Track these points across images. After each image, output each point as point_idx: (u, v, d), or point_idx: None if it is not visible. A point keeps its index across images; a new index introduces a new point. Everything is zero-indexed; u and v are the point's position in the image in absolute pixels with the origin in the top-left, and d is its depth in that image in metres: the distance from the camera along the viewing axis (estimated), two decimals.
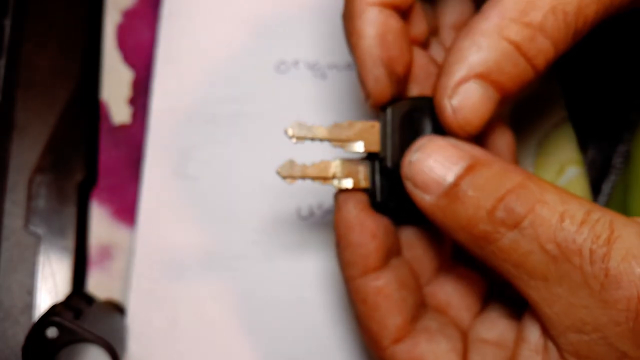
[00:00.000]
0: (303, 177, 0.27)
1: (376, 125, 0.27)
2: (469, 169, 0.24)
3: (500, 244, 0.23)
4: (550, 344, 0.23)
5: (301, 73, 0.38)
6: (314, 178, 0.27)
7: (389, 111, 0.27)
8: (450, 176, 0.24)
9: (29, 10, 0.37)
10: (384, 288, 0.26)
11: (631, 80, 0.37)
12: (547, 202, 0.23)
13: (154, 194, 0.36)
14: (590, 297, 0.22)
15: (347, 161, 0.27)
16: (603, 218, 0.22)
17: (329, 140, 0.27)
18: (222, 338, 0.35)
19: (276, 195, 0.37)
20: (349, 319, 0.36)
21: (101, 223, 0.37)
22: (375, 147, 0.27)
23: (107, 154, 0.38)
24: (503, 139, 0.28)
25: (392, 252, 0.27)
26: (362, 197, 0.27)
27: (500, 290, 0.29)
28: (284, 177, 0.27)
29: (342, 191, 0.27)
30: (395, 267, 0.27)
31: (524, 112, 0.38)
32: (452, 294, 0.28)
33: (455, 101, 0.25)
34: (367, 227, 0.26)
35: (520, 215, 0.23)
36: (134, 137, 0.38)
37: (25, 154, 0.36)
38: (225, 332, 0.35)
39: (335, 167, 0.27)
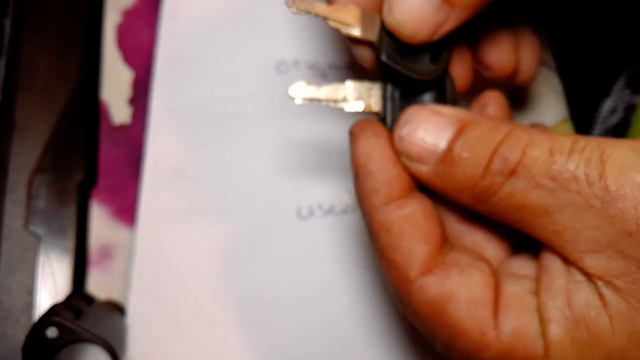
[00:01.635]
0: (314, 99, 0.26)
1: (376, 16, 0.27)
2: (459, 132, 0.24)
3: (500, 194, 0.23)
4: (575, 270, 0.23)
5: (301, 73, 0.38)
6: (324, 100, 0.26)
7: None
8: (442, 143, 0.24)
9: (29, 10, 0.37)
10: (411, 216, 0.25)
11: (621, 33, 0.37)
12: (536, 142, 0.23)
13: (154, 194, 0.36)
14: (596, 217, 0.22)
15: (358, 84, 0.27)
16: (590, 143, 0.22)
17: (327, 18, 0.26)
18: (222, 338, 0.35)
19: (276, 195, 0.37)
20: (349, 319, 0.36)
21: (101, 223, 0.37)
22: (373, 37, 0.26)
23: (107, 154, 0.38)
24: (497, 106, 0.28)
25: (413, 182, 0.26)
26: (379, 127, 0.26)
27: (528, 240, 0.29)
28: (295, 98, 0.26)
29: (356, 123, 0.26)
30: (419, 198, 0.26)
31: (524, 111, 0.38)
32: (479, 238, 0.28)
33: (393, 1, 0.25)
34: (388, 154, 0.25)
35: (515, 162, 0.23)
36: (134, 137, 0.38)
37: (25, 154, 0.36)
38: (225, 332, 0.35)
39: (346, 89, 0.26)
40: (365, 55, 0.28)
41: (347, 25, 0.27)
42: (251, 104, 0.38)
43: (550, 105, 0.38)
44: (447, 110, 0.25)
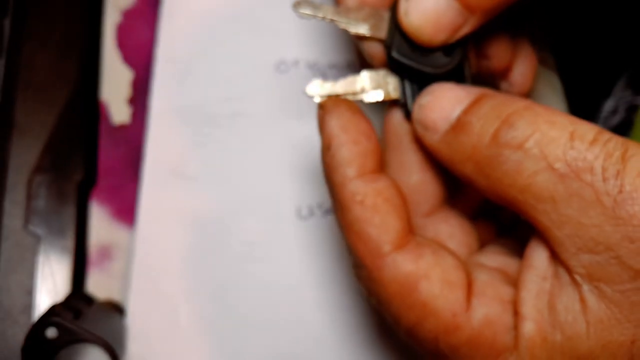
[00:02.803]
0: (332, 94, 0.26)
1: (384, 12, 0.27)
2: (475, 102, 0.24)
3: (505, 168, 0.22)
4: (561, 270, 0.23)
5: (301, 73, 0.38)
6: (343, 94, 0.26)
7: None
8: (456, 111, 0.24)
9: (29, 10, 0.37)
10: (384, 190, 0.24)
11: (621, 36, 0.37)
12: (556, 122, 0.22)
13: (153, 194, 0.36)
14: (602, 214, 0.21)
15: (374, 73, 0.27)
16: (615, 138, 0.22)
17: (336, 19, 0.26)
18: (222, 338, 0.35)
19: (276, 195, 0.37)
20: (349, 320, 0.36)
21: (101, 223, 0.37)
22: (382, 34, 0.26)
23: (107, 154, 0.37)
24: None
25: (383, 162, 0.26)
26: (354, 104, 0.25)
27: (495, 238, 0.28)
28: (313, 97, 0.26)
29: (328, 98, 0.26)
30: (389, 178, 0.25)
31: None
32: (443, 233, 0.27)
33: (410, 3, 0.25)
34: (363, 128, 0.25)
35: (525, 135, 0.22)
36: (133, 137, 0.38)
37: (25, 154, 0.36)
38: (224, 333, 0.35)
39: (363, 80, 0.26)
40: (375, 51, 0.28)
41: (356, 24, 0.26)
42: (251, 103, 0.38)
43: (550, 104, 0.38)
44: (471, 87, 0.25)
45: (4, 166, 0.35)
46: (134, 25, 0.39)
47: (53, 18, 0.37)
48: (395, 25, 0.26)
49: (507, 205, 0.23)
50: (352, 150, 0.24)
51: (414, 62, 0.26)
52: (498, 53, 0.30)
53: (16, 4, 0.37)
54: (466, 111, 0.24)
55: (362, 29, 0.26)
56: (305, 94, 0.26)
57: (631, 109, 0.37)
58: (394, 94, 0.27)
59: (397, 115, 0.28)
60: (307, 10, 0.26)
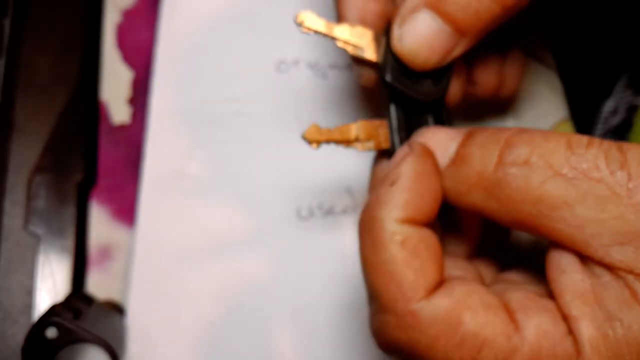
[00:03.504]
0: (328, 141, 0.27)
1: (382, 37, 0.27)
2: (468, 136, 0.24)
3: (514, 185, 0.23)
4: (598, 269, 0.22)
5: (301, 73, 0.38)
6: (337, 141, 0.27)
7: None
8: (453, 146, 0.25)
9: (29, 10, 0.37)
10: (428, 238, 0.24)
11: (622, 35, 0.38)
12: (550, 136, 0.23)
13: (153, 194, 0.36)
14: (620, 205, 0.21)
15: (367, 123, 0.28)
16: (607, 140, 0.22)
17: (338, 39, 0.28)
18: (222, 339, 0.35)
19: (276, 195, 0.37)
20: (349, 320, 0.36)
21: (101, 223, 0.37)
22: (378, 57, 0.27)
23: (107, 154, 0.37)
24: None
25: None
26: (431, 152, 0.25)
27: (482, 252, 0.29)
28: (310, 142, 0.27)
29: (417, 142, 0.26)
30: (430, 228, 0.25)
31: (524, 111, 0.38)
32: (462, 268, 0.27)
33: (404, 29, 0.25)
34: (435, 189, 0.24)
35: (528, 151, 0.23)
36: (133, 137, 0.38)
37: (25, 154, 0.36)
38: (224, 333, 0.35)
39: (356, 129, 0.27)
40: (368, 76, 0.29)
41: (358, 46, 0.28)
42: (251, 103, 0.38)
43: (550, 104, 0.38)
44: (454, 128, 0.25)
45: (4, 166, 0.35)
46: (134, 25, 0.39)
47: (53, 18, 0.37)
48: (389, 50, 0.27)
49: (521, 225, 0.23)
50: (412, 199, 0.24)
51: (406, 88, 0.27)
52: (486, 81, 0.31)
53: (16, 4, 0.37)
54: (463, 144, 0.24)
55: (365, 53, 0.28)
56: (302, 139, 0.27)
57: (631, 110, 0.37)
58: (384, 144, 0.28)
59: (385, 164, 0.28)
60: (310, 25, 0.27)
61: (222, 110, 0.38)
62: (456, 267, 0.27)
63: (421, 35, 0.26)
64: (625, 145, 0.22)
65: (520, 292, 0.24)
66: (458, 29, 0.25)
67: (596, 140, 0.22)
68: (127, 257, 0.36)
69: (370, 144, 0.28)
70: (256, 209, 0.37)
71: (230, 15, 0.39)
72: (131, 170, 0.37)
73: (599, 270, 0.22)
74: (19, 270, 0.34)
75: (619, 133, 0.37)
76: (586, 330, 0.22)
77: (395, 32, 0.26)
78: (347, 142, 0.27)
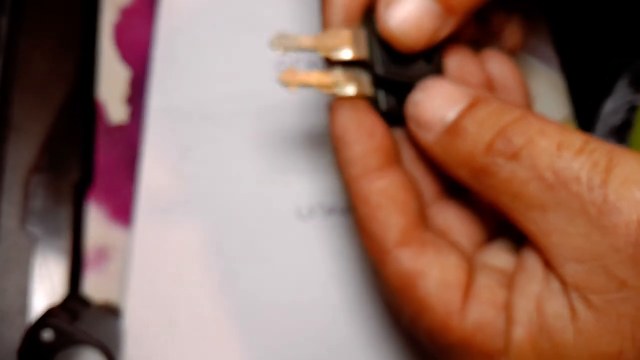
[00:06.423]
0: (304, 85, 0.26)
1: (362, 32, 0.26)
2: (470, 106, 0.24)
3: (498, 176, 0.23)
4: (552, 276, 0.23)
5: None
6: (315, 85, 0.26)
7: (374, 17, 0.26)
8: (451, 114, 0.24)
9: (26, 8, 0.37)
10: (388, 188, 0.25)
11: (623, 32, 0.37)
12: (546, 133, 0.22)
13: (151, 194, 0.36)
14: (588, 224, 0.21)
15: (349, 68, 0.26)
16: (601, 147, 0.22)
17: (315, 49, 0.26)
18: (220, 340, 0.35)
19: (275, 195, 0.37)
20: (349, 320, 0.36)
21: (98, 224, 0.36)
22: (364, 54, 0.26)
23: (104, 154, 0.37)
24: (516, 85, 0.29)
25: (392, 156, 0.26)
26: (359, 102, 0.26)
27: (505, 229, 0.28)
28: (287, 84, 0.25)
29: (336, 99, 0.26)
30: (398, 172, 0.26)
31: None
32: (453, 220, 0.27)
33: (390, 10, 0.25)
34: (364, 127, 0.25)
35: (519, 146, 0.22)
36: (131, 136, 0.38)
37: (22, 153, 0.35)
38: (223, 335, 0.35)
39: (337, 74, 0.26)
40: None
41: (338, 49, 0.26)
42: (250, 102, 0.38)
43: (552, 103, 0.38)
44: (464, 87, 0.25)
45: (0, 166, 0.35)
46: (131, 23, 0.39)
47: (50, 17, 0.37)
48: (374, 40, 0.26)
49: (499, 210, 0.24)
50: (353, 151, 0.25)
51: (398, 75, 0.26)
52: (493, 19, 0.30)
53: (13, 3, 0.37)
54: (462, 115, 0.24)
55: (346, 54, 0.26)
56: (278, 81, 0.25)
57: (632, 109, 0.37)
58: (368, 90, 0.26)
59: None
60: (286, 44, 0.25)
61: (220, 109, 0.37)
62: (453, 214, 0.27)
63: (409, 15, 0.25)
64: (616, 159, 0.22)
65: (487, 278, 0.25)
66: (447, 7, 0.25)
67: (590, 146, 0.22)
68: (124, 259, 0.36)
69: (351, 89, 0.26)
70: (255, 208, 0.36)
71: (229, 14, 0.38)
72: (128, 170, 0.37)
73: (553, 279, 0.23)
74: (15, 271, 0.34)
75: (620, 132, 0.37)
76: (518, 334, 0.23)
77: (382, 14, 0.25)
78: (326, 88, 0.26)
